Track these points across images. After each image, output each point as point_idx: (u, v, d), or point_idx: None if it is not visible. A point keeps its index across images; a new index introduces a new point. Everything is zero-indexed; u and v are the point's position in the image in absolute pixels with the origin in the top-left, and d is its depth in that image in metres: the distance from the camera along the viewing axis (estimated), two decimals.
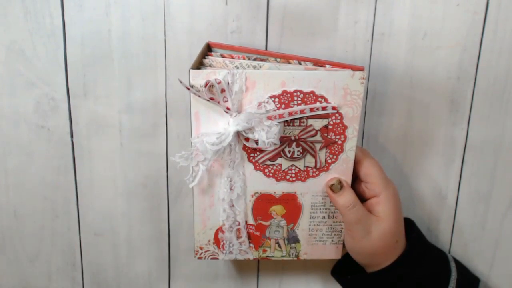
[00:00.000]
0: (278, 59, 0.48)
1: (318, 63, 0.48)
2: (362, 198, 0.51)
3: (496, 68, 0.55)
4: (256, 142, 0.46)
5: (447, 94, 0.56)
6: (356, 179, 0.51)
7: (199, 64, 0.47)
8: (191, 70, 0.44)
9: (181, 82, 0.44)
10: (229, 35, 0.54)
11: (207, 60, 0.47)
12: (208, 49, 0.51)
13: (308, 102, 0.46)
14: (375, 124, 0.57)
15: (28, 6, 0.53)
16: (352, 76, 0.45)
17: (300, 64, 0.48)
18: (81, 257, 0.62)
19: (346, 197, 0.48)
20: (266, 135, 0.45)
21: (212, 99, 0.45)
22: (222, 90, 0.44)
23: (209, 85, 0.44)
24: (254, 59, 0.48)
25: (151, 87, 0.56)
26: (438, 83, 0.55)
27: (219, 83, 0.44)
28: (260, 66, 0.47)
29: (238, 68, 0.47)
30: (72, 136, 0.57)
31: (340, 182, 0.49)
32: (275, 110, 0.46)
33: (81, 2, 0.53)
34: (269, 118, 0.46)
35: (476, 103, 0.56)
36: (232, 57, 0.48)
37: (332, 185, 0.49)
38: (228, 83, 0.44)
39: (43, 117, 0.57)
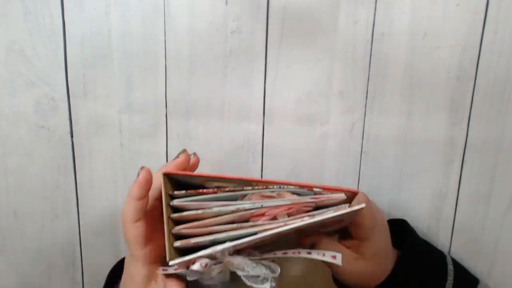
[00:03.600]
0: (256, 187, 0.40)
1: (305, 187, 0.41)
2: (349, 236, 0.49)
3: (496, 68, 0.55)
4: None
5: (447, 94, 0.56)
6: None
7: (169, 225, 0.40)
8: (171, 262, 0.38)
9: (161, 272, 0.40)
10: (229, 35, 0.54)
11: (177, 215, 0.41)
12: (169, 179, 0.42)
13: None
14: (375, 124, 0.57)
15: (28, 6, 0.53)
16: (349, 213, 0.40)
17: (280, 187, 0.40)
18: (81, 257, 0.62)
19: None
20: (251, 274, 0.40)
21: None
22: (206, 265, 0.39)
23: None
24: (229, 191, 0.40)
25: (151, 87, 0.56)
26: (438, 83, 0.55)
27: (205, 266, 0.38)
28: (239, 210, 0.40)
29: (215, 217, 0.40)
30: (72, 136, 0.58)
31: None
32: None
33: (81, 2, 0.53)
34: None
35: (476, 103, 0.56)
36: (202, 193, 0.40)
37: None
38: (213, 256, 0.39)
39: (43, 117, 0.57)
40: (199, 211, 0.40)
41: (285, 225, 0.38)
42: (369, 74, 0.55)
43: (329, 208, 0.40)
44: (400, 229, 0.54)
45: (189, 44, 0.54)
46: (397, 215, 0.59)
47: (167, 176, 0.41)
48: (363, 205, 0.40)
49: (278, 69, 0.55)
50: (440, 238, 0.61)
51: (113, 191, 0.60)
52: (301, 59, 0.55)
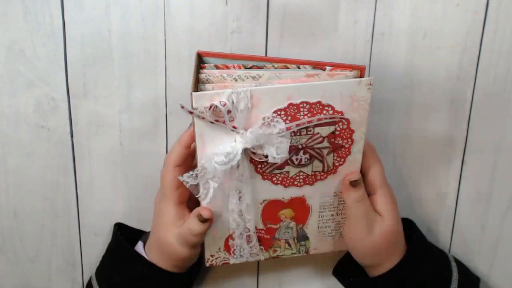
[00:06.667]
0: (276, 65, 0.47)
1: (317, 66, 0.47)
2: None
3: (496, 68, 0.55)
4: (265, 156, 0.45)
5: (447, 94, 0.56)
6: None
7: (196, 81, 0.46)
8: (194, 94, 0.43)
9: (182, 107, 0.43)
10: (229, 35, 0.54)
11: (203, 76, 0.46)
12: (200, 59, 0.48)
13: (315, 112, 0.45)
14: (375, 124, 0.57)
15: (28, 6, 0.53)
16: (359, 83, 0.45)
17: (299, 68, 0.47)
18: (81, 257, 0.62)
19: (359, 192, 0.49)
20: (276, 151, 0.44)
21: (217, 120, 0.44)
22: (228, 111, 0.43)
23: (213, 108, 0.43)
24: (251, 67, 0.47)
25: (151, 87, 0.56)
26: (438, 83, 0.55)
27: (224, 105, 0.43)
28: (260, 76, 0.46)
29: (236, 80, 0.46)
30: (72, 136, 0.58)
31: (361, 178, 0.49)
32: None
33: (81, 2, 0.53)
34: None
35: (476, 103, 0.56)
36: (228, 67, 0.47)
37: (355, 181, 0.48)
38: (233, 102, 0.43)
39: (43, 117, 0.57)
40: (224, 74, 0.45)
41: (298, 81, 0.46)
42: (369, 74, 0.55)
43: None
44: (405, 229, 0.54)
45: (189, 44, 0.54)
46: None
47: (199, 56, 0.48)
48: (371, 78, 0.45)
49: None
50: (440, 239, 0.61)
51: (113, 191, 0.60)
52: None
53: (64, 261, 0.62)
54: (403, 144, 0.58)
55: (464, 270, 0.55)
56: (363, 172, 0.50)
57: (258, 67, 0.47)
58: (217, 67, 0.47)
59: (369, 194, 0.50)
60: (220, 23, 0.54)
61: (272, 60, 0.47)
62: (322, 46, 0.54)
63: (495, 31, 0.54)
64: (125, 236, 0.56)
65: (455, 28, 0.54)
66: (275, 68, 0.47)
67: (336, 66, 0.47)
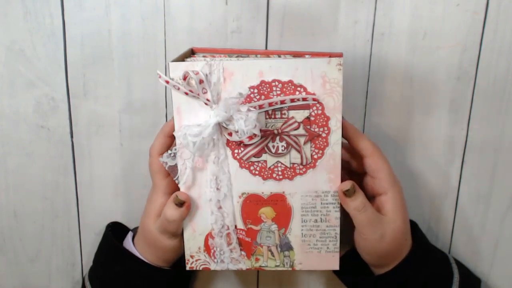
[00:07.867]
0: (258, 55, 0.49)
1: (297, 55, 0.48)
2: (369, 194, 0.50)
3: (496, 68, 0.55)
4: (237, 133, 0.46)
5: (447, 94, 0.56)
6: (364, 174, 0.51)
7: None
8: (170, 63, 0.45)
9: (160, 76, 0.44)
10: (229, 35, 0.54)
11: (189, 59, 0.48)
12: (192, 53, 0.51)
13: (287, 92, 0.46)
14: (375, 124, 0.57)
15: (28, 6, 0.53)
16: (329, 62, 0.45)
17: (279, 57, 0.48)
18: (81, 257, 0.62)
19: (358, 201, 0.48)
20: (245, 123, 0.44)
21: (191, 91, 0.45)
22: (201, 81, 0.45)
23: (188, 78, 0.44)
24: (236, 57, 0.48)
25: (151, 87, 0.56)
26: (438, 83, 0.55)
27: (196, 74, 0.44)
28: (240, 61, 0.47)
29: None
30: (72, 136, 0.58)
31: (353, 186, 0.48)
32: (254, 101, 0.46)
33: (81, 2, 0.53)
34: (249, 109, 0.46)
35: (476, 103, 0.56)
36: (213, 57, 0.48)
37: (347, 190, 0.47)
38: (206, 74, 0.45)
39: (43, 117, 0.57)
40: (208, 59, 0.47)
41: (270, 55, 0.48)
42: (369, 74, 0.55)
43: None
44: None
45: (189, 44, 0.54)
46: None
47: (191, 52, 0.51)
48: (341, 58, 0.45)
49: None
50: (440, 238, 0.61)
51: (113, 191, 0.60)
52: None
53: (64, 261, 0.62)
54: (403, 144, 0.58)
55: (465, 272, 0.55)
56: (371, 174, 0.50)
57: (242, 57, 0.48)
58: (204, 57, 0.48)
59: (380, 194, 0.50)
60: (220, 23, 0.54)
61: (256, 52, 0.49)
62: (322, 46, 0.54)
63: (495, 31, 0.54)
64: (119, 234, 0.56)
65: (455, 28, 0.54)
66: (257, 57, 0.48)
67: (315, 54, 0.47)
